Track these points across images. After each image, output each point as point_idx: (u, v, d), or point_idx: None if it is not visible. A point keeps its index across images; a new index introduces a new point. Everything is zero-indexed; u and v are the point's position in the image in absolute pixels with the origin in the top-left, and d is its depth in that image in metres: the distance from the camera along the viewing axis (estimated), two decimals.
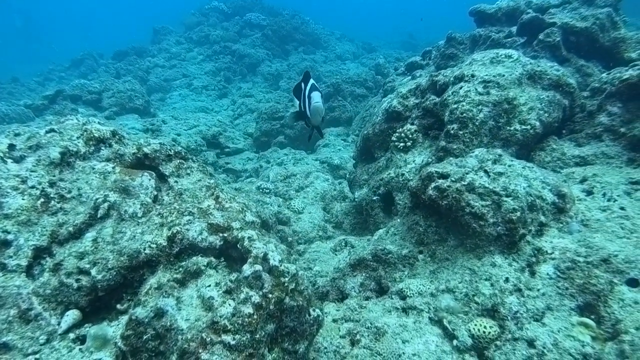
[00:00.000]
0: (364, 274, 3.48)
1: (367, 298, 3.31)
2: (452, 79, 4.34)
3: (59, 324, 2.03)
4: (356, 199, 4.94)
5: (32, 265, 2.17)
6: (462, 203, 2.95)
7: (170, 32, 20.76)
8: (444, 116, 4.15)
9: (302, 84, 3.34)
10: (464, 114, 3.91)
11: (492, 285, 2.74)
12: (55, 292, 2.07)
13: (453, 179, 3.07)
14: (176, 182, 2.91)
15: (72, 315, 2.05)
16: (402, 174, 4.31)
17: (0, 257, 2.12)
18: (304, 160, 7.46)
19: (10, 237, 2.17)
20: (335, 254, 4.34)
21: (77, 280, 2.08)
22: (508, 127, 3.84)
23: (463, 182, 3.01)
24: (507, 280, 2.72)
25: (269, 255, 2.05)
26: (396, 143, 4.51)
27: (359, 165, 5.28)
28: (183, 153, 3.20)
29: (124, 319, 2.04)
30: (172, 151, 3.10)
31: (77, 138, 2.74)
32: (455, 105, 4.00)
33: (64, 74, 19.54)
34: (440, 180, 3.12)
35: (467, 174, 3.06)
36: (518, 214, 2.82)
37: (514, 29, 6.70)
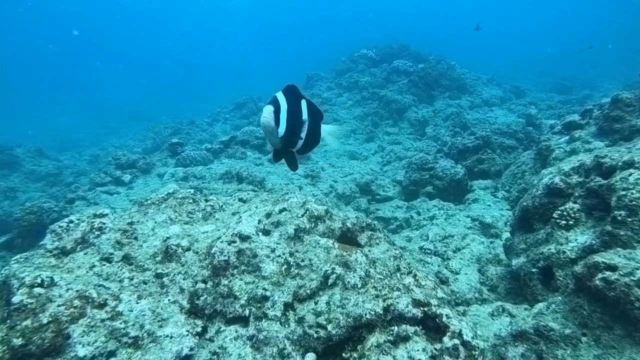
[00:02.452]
0: (525, 346, 3.86)
1: None
2: (620, 163, 4.51)
3: None
4: (513, 266, 5.27)
5: (282, 316, 3.09)
6: (631, 297, 3.22)
7: (322, 78, 22.93)
8: (611, 200, 4.34)
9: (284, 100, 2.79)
10: (633, 202, 4.08)
11: None
12: (300, 338, 2.93)
13: (621, 272, 3.35)
14: (369, 251, 3.72)
15: (311, 356, 2.86)
16: (564, 252, 4.57)
17: (263, 308, 3.09)
18: (455, 217, 7.91)
19: (268, 293, 3.10)
20: (493, 319, 4.74)
21: (317, 332, 2.94)
22: None
23: (632, 277, 3.28)
24: None
25: (463, 332, 2.69)
26: (558, 220, 4.79)
27: (516, 234, 5.60)
28: (373, 225, 4.03)
29: None
30: (365, 223, 3.94)
31: (302, 216, 3.70)
32: (624, 192, 4.19)
33: (228, 116, 22.99)
34: (608, 273, 3.42)
35: (636, 269, 3.32)
36: None
37: None
